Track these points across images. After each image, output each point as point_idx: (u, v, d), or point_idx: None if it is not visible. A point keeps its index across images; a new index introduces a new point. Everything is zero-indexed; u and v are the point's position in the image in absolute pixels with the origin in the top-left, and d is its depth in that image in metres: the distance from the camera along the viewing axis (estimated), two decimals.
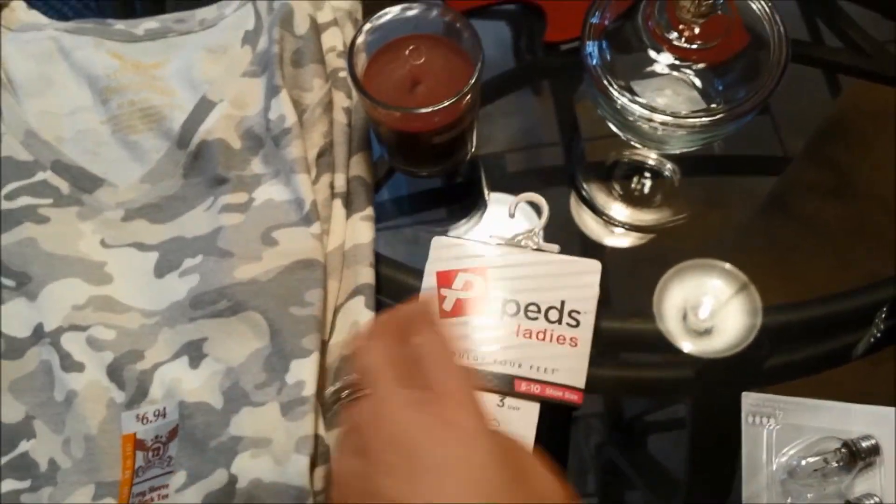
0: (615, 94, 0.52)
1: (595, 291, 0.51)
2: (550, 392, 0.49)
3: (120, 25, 0.62)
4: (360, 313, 0.52)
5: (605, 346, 0.53)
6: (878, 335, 0.54)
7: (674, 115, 0.51)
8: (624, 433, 0.54)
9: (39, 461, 0.48)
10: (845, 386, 0.54)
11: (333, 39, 0.58)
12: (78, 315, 0.50)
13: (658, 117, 0.51)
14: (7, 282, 0.52)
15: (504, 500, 0.31)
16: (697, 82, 0.55)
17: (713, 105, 0.53)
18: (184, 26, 0.62)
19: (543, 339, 0.50)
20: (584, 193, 0.60)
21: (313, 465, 0.46)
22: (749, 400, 0.50)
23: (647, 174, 0.62)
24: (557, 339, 0.50)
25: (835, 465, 0.48)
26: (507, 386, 0.49)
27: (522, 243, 0.53)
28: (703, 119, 0.51)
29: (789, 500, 0.48)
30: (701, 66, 0.54)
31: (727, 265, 0.56)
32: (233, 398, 0.48)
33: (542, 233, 0.54)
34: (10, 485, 0.48)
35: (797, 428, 0.49)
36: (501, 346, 0.50)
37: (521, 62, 0.66)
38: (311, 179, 0.54)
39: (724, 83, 0.54)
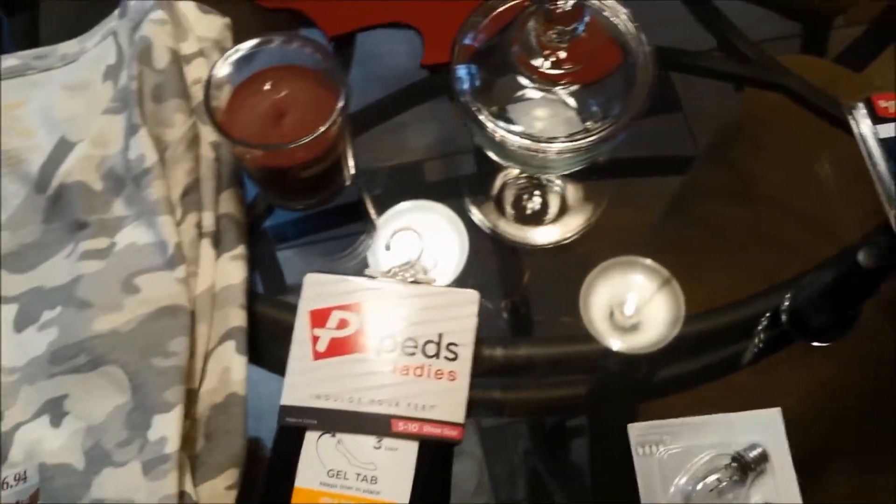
0: (485, 121, 0.51)
1: (473, 322, 0.50)
2: (428, 430, 0.48)
3: None
4: (230, 359, 0.50)
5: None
6: (760, 345, 0.54)
7: (536, 139, 0.50)
8: (548, 440, 0.53)
9: None
10: (732, 398, 0.54)
11: (199, 71, 0.56)
12: None
13: (524, 143, 0.50)
14: None
15: None
16: (573, 102, 0.54)
17: (591, 123, 0.52)
18: (44, 62, 0.59)
19: (421, 375, 0.49)
20: (476, 211, 0.60)
21: None
22: (635, 431, 0.49)
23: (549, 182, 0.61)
24: (435, 374, 0.49)
25: (728, 481, 0.47)
26: (384, 427, 0.48)
27: (399, 276, 0.52)
28: (577, 143, 0.50)
29: None
30: (575, 87, 0.53)
31: (648, 261, 0.56)
32: (94, 458, 0.46)
33: (422, 264, 0.53)
34: None
35: (686, 450, 0.49)
36: (378, 386, 0.49)
37: (406, 83, 0.65)
38: (176, 220, 0.51)
39: (599, 102, 0.54)
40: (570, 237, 0.59)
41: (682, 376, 0.55)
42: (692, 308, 0.54)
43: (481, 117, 0.51)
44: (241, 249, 0.53)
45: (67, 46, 0.60)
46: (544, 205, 0.61)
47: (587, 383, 0.55)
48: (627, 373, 0.54)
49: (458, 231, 0.57)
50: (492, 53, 0.54)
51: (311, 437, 0.48)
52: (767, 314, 0.54)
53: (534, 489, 0.53)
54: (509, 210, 0.60)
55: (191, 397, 0.48)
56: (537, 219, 0.60)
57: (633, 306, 0.55)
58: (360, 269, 0.55)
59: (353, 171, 0.58)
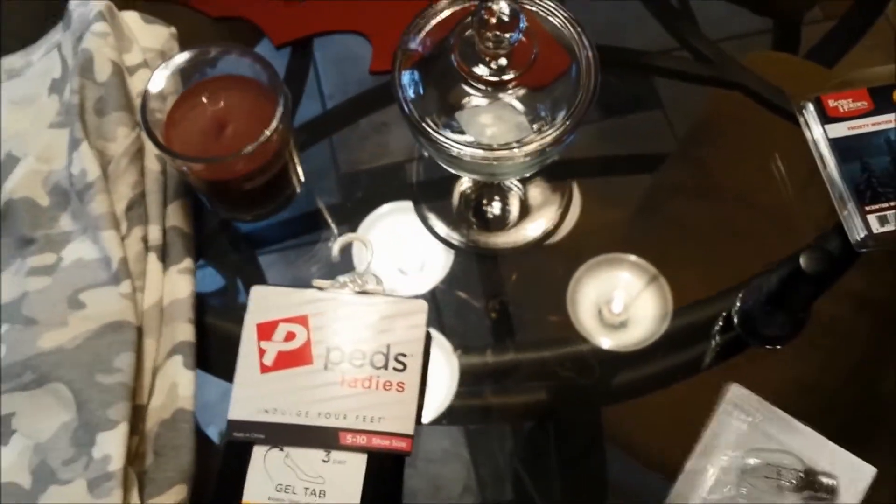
0: (429, 130, 0.50)
1: (422, 332, 0.50)
2: (377, 442, 0.48)
3: None
4: (178, 374, 0.49)
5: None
6: (717, 348, 0.54)
7: (488, 148, 0.50)
8: (532, 442, 0.53)
9: None
10: (703, 396, 0.54)
11: (143, 82, 0.55)
12: None
13: (471, 152, 0.49)
14: None
15: None
16: (521, 107, 0.53)
17: (539, 128, 0.52)
18: None
19: (369, 387, 0.49)
20: (433, 214, 0.59)
21: None
22: (735, 390, 0.49)
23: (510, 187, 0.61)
24: (384, 386, 0.49)
25: (786, 482, 0.47)
26: (332, 440, 0.47)
27: (348, 287, 0.51)
28: (523, 149, 0.50)
29: (726, 490, 0.48)
30: (522, 91, 0.53)
31: (633, 257, 0.56)
32: (41, 477, 0.46)
33: (371, 274, 0.53)
34: None
35: (767, 435, 0.49)
36: (326, 399, 0.48)
37: (358, 91, 0.65)
38: (121, 234, 0.51)
39: (547, 105, 0.53)
40: (541, 238, 0.59)
41: (651, 377, 0.55)
42: None
43: (426, 126, 0.51)
44: (188, 263, 0.53)
45: (13, 60, 0.59)
46: (507, 209, 0.61)
47: (565, 386, 0.54)
48: (603, 375, 0.54)
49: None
50: (437, 60, 0.53)
51: (258, 452, 0.48)
52: (723, 315, 0.54)
53: (520, 491, 0.53)
54: (471, 217, 0.60)
55: (139, 413, 0.48)
56: (501, 223, 0.60)
57: (621, 303, 0.54)
58: (312, 279, 0.54)
59: (302, 179, 0.57)
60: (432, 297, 0.57)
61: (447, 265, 0.58)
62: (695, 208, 0.62)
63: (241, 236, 0.60)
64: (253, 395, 0.48)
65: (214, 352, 0.53)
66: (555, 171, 0.61)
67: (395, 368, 0.49)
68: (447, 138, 0.50)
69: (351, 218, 0.59)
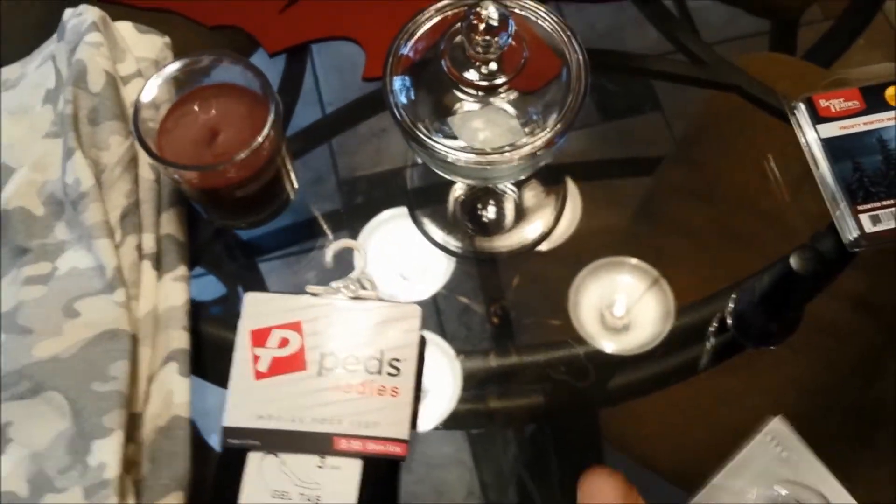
0: (421, 136, 0.50)
1: (415, 337, 0.50)
2: (372, 447, 0.48)
3: None
4: (173, 381, 0.50)
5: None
6: (713, 350, 0.54)
7: (480, 152, 0.50)
8: (534, 445, 0.54)
9: None
10: (689, 401, 0.54)
11: (137, 92, 0.56)
12: None
13: (459, 156, 0.50)
14: None
15: None
16: (513, 111, 0.54)
17: (531, 130, 0.52)
18: None
19: (364, 393, 0.49)
20: (430, 220, 0.60)
21: None
22: (777, 423, 0.49)
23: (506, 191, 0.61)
24: (378, 391, 0.49)
25: None
26: (326, 445, 0.48)
27: (342, 292, 0.52)
28: (515, 152, 0.50)
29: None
30: (513, 95, 0.53)
31: (634, 260, 0.56)
32: (37, 485, 0.46)
33: (364, 279, 0.53)
34: None
35: (797, 471, 0.48)
36: (320, 404, 0.48)
37: (356, 96, 0.65)
38: (115, 243, 0.51)
39: (538, 109, 0.54)
40: (538, 240, 0.59)
41: (650, 379, 0.55)
42: None
43: (418, 132, 0.51)
44: (182, 270, 0.53)
45: (9, 71, 0.60)
46: (502, 213, 0.61)
47: (565, 390, 0.54)
48: (600, 378, 0.54)
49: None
50: (428, 65, 0.54)
51: (254, 458, 0.48)
52: (718, 316, 0.54)
53: (523, 495, 0.53)
54: (468, 222, 0.60)
55: (135, 421, 0.48)
56: (498, 226, 0.60)
57: (623, 307, 0.54)
58: (306, 285, 0.55)
59: (296, 185, 0.58)
60: (433, 303, 0.57)
61: (448, 271, 0.58)
62: (693, 210, 0.62)
63: (237, 243, 0.60)
64: (247, 401, 0.48)
65: (209, 358, 0.53)
66: (552, 174, 0.61)
67: (389, 373, 0.49)
68: (440, 143, 0.50)
69: (351, 224, 0.59)
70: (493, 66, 0.51)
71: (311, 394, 0.49)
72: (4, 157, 0.55)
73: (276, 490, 0.47)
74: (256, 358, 0.49)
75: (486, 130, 0.54)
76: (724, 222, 0.60)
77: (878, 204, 0.53)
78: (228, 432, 0.48)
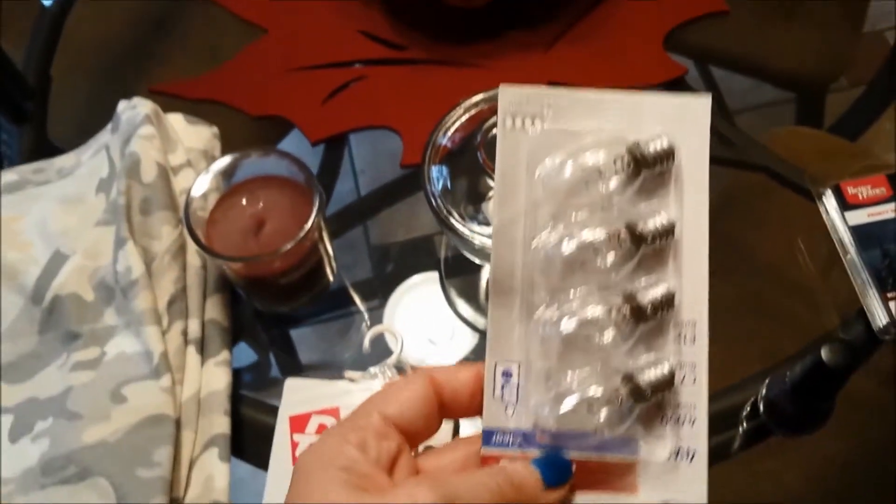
0: (455, 224, 0.52)
1: (449, 424, 0.51)
2: None
3: None
4: (213, 466, 0.51)
5: None
6: (744, 435, 0.54)
7: None
8: None
9: None
10: (725, 486, 0.54)
11: (187, 181, 0.59)
12: None
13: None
14: None
15: None
16: None
17: None
18: (42, 176, 0.62)
19: None
20: (457, 292, 0.61)
21: None
22: (507, 95, 0.34)
23: None
24: None
25: (612, 177, 0.34)
26: None
27: (379, 378, 0.53)
28: None
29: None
30: None
31: None
32: None
33: (401, 364, 0.54)
34: None
35: (568, 133, 0.34)
36: None
37: (385, 179, 0.67)
38: (163, 329, 0.53)
39: None
40: None
41: None
42: None
43: (453, 220, 0.52)
44: (225, 355, 0.55)
45: (64, 160, 0.63)
46: None
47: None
48: None
49: None
50: (464, 154, 0.56)
51: None
52: (750, 402, 0.55)
53: None
54: None
55: None
56: None
57: None
58: (347, 363, 0.56)
59: (336, 270, 0.60)
60: None
61: (475, 336, 0.59)
62: (722, 285, 0.62)
63: (275, 322, 0.62)
64: (286, 488, 0.49)
65: (248, 439, 0.54)
66: None
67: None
68: (472, 232, 0.52)
69: (383, 289, 0.61)
70: None
71: None
72: (58, 244, 0.57)
73: None
74: (295, 445, 0.50)
75: None
76: (754, 298, 0.60)
77: None
78: None
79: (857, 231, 0.56)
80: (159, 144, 0.58)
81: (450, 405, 0.35)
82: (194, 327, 0.55)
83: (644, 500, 0.33)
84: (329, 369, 0.59)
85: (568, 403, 0.33)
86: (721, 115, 0.71)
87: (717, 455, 0.54)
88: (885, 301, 0.53)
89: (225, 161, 0.53)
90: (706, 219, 0.34)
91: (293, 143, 0.67)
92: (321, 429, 0.51)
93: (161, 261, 0.55)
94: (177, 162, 0.59)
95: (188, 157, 0.60)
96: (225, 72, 0.69)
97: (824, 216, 0.58)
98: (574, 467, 0.33)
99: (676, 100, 0.35)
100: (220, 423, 0.52)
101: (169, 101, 0.66)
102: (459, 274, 0.62)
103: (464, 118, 0.56)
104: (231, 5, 0.73)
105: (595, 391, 0.33)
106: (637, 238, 0.33)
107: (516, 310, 0.34)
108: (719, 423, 0.55)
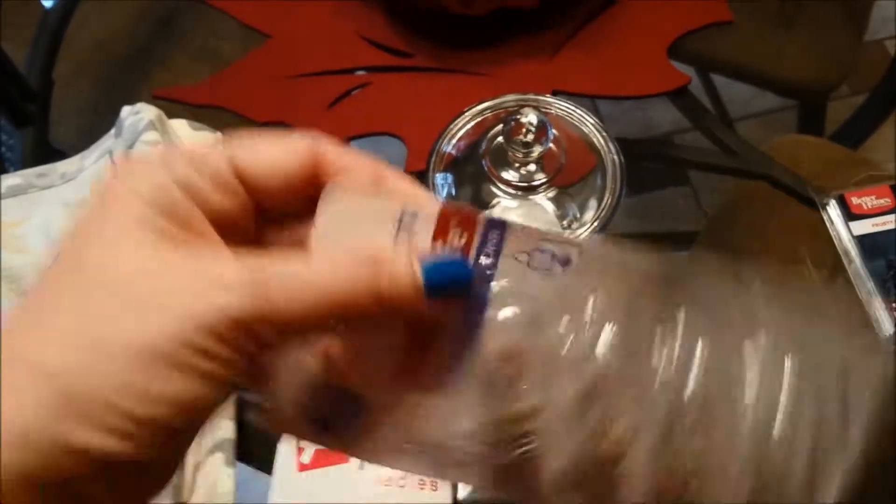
0: None
1: None
2: None
3: None
4: (219, 472, 0.51)
5: None
6: None
7: None
8: None
9: None
10: None
11: None
12: None
13: None
14: None
15: None
16: (550, 206, 0.55)
17: (569, 224, 0.54)
18: (45, 181, 0.62)
19: (404, 486, 0.49)
20: None
21: None
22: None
23: None
24: (418, 484, 0.49)
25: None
26: None
27: None
28: None
29: None
30: (552, 193, 0.55)
31: None
32: None
33: None
34: None
35: None
36: (362, 497, 0.49)
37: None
38: None
39: (575, 204, 0.55)
40: None
41: None
42: None
43: None
44: None
45: (67, 164, 0.63)
46: None
47: None
48: None
49: None
50: (468, 162, 0.56)
51: None
52: None
53: None
54: None
55: None
56: None
57: None
58: None
59: None
60: None
61: None
62: None
63: None
64: (290, 493, 0.49)
65: (253, 443, 0.54)
66: None
67: None
68: None
69: None
70: (532, 167, 0.52)
71: (353, 487, 0.50)
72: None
73: None
74: (300, 450, 0.50)
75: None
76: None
77: None
78: None
79: (862, 241, 0.56)
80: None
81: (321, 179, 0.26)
82: None
83: None
84: None
85: None
86: (723, 123, 0.72)
87: None
88: (890, 310, 0.53)
89: None
90: None
91: None
92: None
93: None
94: None
95: None
96: (229, 77, 0.69)
97: (829, 226, 0.58)
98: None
99: None
100: (226, 428, 0.52)
101: (173, 106, 0.66)
102: None
103: (469, 126, 0.56)
104: (234, 11, 0.73)
105: None
106: None
107: None
108: None
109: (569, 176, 0.55)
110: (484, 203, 0.55)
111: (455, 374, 0.24)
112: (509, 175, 0.53)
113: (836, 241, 0.58)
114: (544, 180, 0.53)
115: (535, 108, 0.52)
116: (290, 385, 0.25)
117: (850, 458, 0.23)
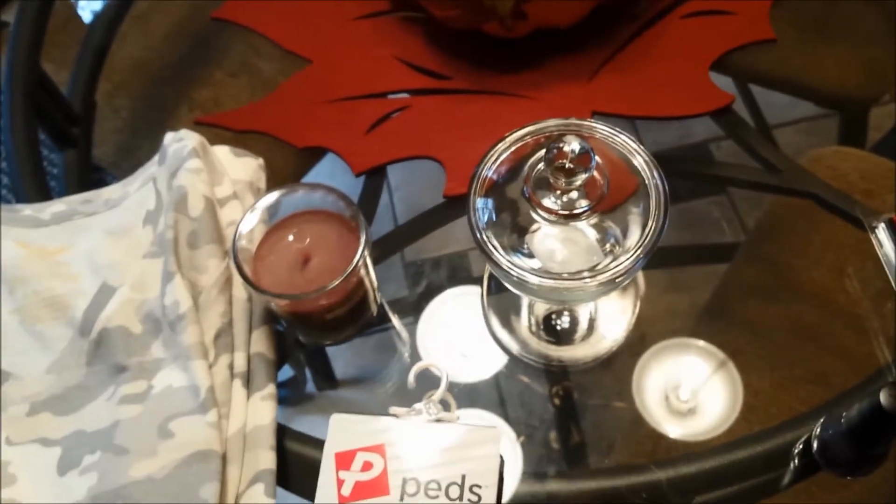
0: (498, 257, 0.52)
1: (495, 463, 0.50)
2: None
3: (27, 211, 0.62)
4: (260, 502, 0.51)
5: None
6: (796, 471, 0.53)
7: (556, 277, 0.51)
8: None
9: None
10: None
11: (233, 212, 0.59)
12: None
13: (536, 280, 0.50)
14: None
15: None
16: (592, 232, 0.55)
17: (611, 248, 0.53)
18: (89, 207, 0.63)
19: None
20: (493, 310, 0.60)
21: None
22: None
23: None
24: None
25: None
26: None
27: (424, 414, 0.53)
28: (594, 279, 0.51)
29: None
30: (594, 220, 0.54)
31: (701, 342, 0.55)
32: None
33: (445, 400, 0.54)
34: None
35: None
36: None
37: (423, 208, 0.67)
38: (209, 363, 0.53)
39: (617, 228, 0.54)
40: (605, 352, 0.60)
41: (734, 496, 0.54)
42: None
43: (498, 254, 0.52)
44: (270, 388, 0.55)
45: (111, 191, 0.63)
46: (574, 321, 0.62)
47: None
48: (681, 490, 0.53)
49: None
50: (509, 187, 0.55)
51: None
52: (803, 439, 0.54)
53: None
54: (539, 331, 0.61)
55: None
56: (569, 336, 0.61)
57: (688, 390, 0.54)
58: (387, 398, 0.56)
59: (380, 302, 0.59)
60: (495, 382, 0.57)
61: (506, 356, 0.59)
62: (767, 309, 0.61)
63: (318, 352, 0.62)
64: None
65: (292, 469, 0.54)
66: None
67: (469, 500, 0.50)
68: (518, 267, 0.51)
69: (417, 303, 0.61)
70: (574, 194, 0.52)
71: None
72: (105, 276, 0.58)
73: None
74: (341, 482, 0.50)
75: (564, 250, 0.55)
76: (800, 322, 0.59)
77: None
78: None
79: None
80: (206, 178, 0.58)
81: None
82: (240, 361, 0.55)
83: None
84: (367, 387, 0.59)
85: None
86: (763, 136, 0.71)
87: (768, 489, 0.54)
88: None
89: (272, 197, 0.53)
90: None
91: (325, 168, 0.67)
92: (366, 466, 0.51)
93: (208, 294, 0.55)
94: (223, 194, 0.60)
95: (234, 189, 0.60)
96: (269, 103, 0.69)
97: (878, 249, 0.57)
98: None
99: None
100: (266, 459, 0.52)
101: (216, 132, 0.66)
102: (500, 294, 0.62)
103: (510, 150, 0.56)
104: (274, 36, 0.74)
105: None
106: None
107: None
108: (769, 461, 0.54)
109: (611, 200, 0.54)
110: (524, 229, 0.55)
111: None
112: (550, 202, 0.52)
113: (885, 265, 0.56)
114: (586, 207, 0.52)
115: (578, 133, 0.51)
116: None
117: None
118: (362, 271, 0.52)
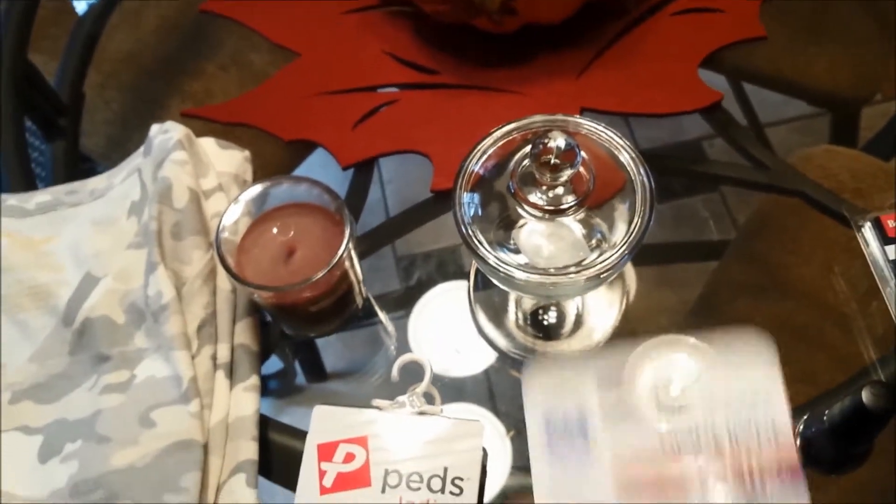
0: (484, 252, 0.52)
1: (477, 455, 0.50)
2: None
3: (12, 201, 0.62)
4: (241, 493, 0.51)
5: None
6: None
7: (543, 272, 0.51)
8: None
9: None
10: None
11: (218, 204, 0.59)
12: None
13: (522, 275, 0.50)
14: None
15: None
16: (578, 227, 0.55)
17: (597, 244, 0.53)
18: (74, 198, 0.62)
19: None
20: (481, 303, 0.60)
21: None
22: None
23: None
24: None
25: None
26: None
27: (407, 406, 0.52)
28: (580, 274, 0.51)
29: None
30: (580, 215, 0.54)
31: (692, 339, 0.55)
32: None
33: (429, 393, 0.54)
34: None
35: None
36: None
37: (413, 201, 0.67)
38: (192, 353, 0.53)
39: (603, 224, 0.54)
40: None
41: None
42: None
43: (485, 250, 0.52)
44: (253, 380, 0.54)
45: (96, 182, 0.63)
46: (561, 315, 0.62)
47: None
48: None
49: None
50: (495, 181, 0.55)
51: None
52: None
53: None
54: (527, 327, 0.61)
55: None
56: (557, 330, 0.61)
57: (679, 387, 0.54)
58: (373, 391, 0.56)
59: (365, 296, 0.59)
60: (485, 377, 0.57)
61: (495, 353, 0.59)
62: (756, 307, 0.61)
63: (306, 345, 0.62)
64: None
65: (275, 459, 0.54)
66: None
67: (451, 492, 0.49)
68: (504, 263, 0.51)
69: (408, 298, 0.61)
70: (560, 190, 0.52)
71: None
72: (90, 266, 0.58)
73: None
74: (322, 473, 0.50)
75: (550, 245, 0.54)
76: (788, 320, 0.59)
77: None
78: None
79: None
80: (191, 170, 0.58)
81: None
82: (223, 352, 0.55)
83: None
84: (353, 379, 0.59)
85: None
86: (754, 133, 0.71)
87: None
88: None
89: (256, 189, 0.53)
90: None
91: (318, 160, 0.67)
92: (348, 458, 0.51)
93: (192, 285, 0.55)
94: (208, 186, 0.60)
95: (220, 182, 0.60)
96: (257, 96, 0.69)
97: (864, 248, 0.57)
98: None
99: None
100: (248, 449, 0.52)
101: (202, 124, 0.66)
102: (487, 290, 0.62)
103: (496, 146, 0.56)
104: (264, 30, 0.73)
105: None
106: None
107: None
108: None
109: (597, 196, 0.54)
110: (510, 223, 0.55)
111: None
112: (536, 198, 0.52)
113: (871, 264, 0.56)
114: (572, 203, 0.52)
115: (564, 129, 0.51)
116: None
117: None
118: (347, 264, 0.52)
